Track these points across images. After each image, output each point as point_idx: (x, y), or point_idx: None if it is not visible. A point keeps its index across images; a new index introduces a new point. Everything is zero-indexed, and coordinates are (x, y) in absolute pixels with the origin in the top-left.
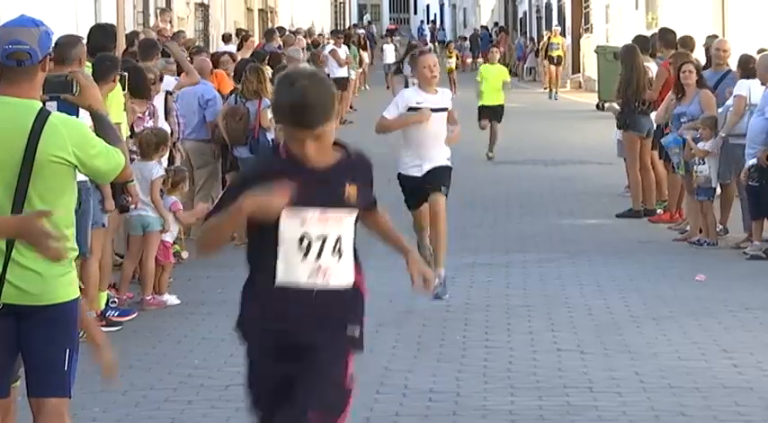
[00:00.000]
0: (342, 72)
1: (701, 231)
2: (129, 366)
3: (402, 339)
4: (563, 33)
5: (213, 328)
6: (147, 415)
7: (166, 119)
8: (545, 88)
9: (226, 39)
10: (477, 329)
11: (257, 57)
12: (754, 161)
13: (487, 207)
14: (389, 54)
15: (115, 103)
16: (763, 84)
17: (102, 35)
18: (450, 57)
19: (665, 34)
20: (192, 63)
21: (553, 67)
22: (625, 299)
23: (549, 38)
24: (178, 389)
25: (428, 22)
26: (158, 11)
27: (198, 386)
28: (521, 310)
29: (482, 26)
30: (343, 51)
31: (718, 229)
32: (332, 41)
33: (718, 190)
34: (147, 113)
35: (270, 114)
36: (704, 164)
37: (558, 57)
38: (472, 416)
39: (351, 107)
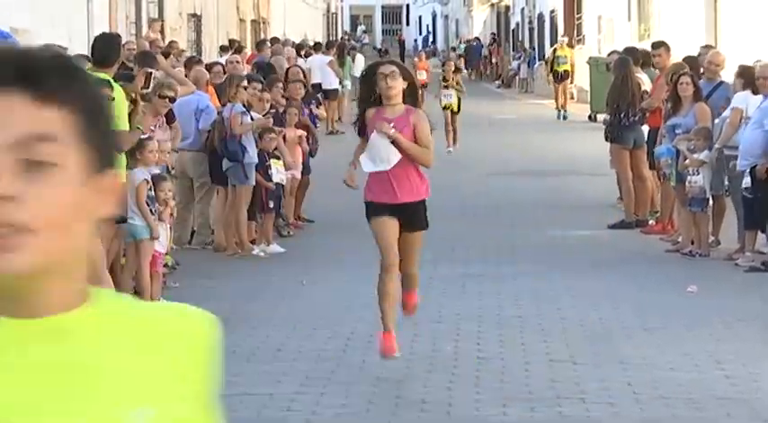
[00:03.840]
0: (333, 84)
1: (692, 243)
2: None
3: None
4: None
5: None
6: None
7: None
8: (556, 108)
9: (224, 49)
10: (469, 340)
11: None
12: (747, 178)
13: (479, 218)
14: (360, 65)
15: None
16: (754, 93)
17: (104, 45)
18: (448, 86)
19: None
20: (188, 73)
21: (559, 84)
22: (617, 310)
23: (554, 50)
24: None
25: (419, 33)
26: (150, 21)
27: None
28: (513, 320)
29: (475, 37)
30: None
31: (710, 241)
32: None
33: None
34: (158, 126)
35: (241, 120)
36: (698, 174)
37: (566, 72)
38: None
39: (339, 118)
